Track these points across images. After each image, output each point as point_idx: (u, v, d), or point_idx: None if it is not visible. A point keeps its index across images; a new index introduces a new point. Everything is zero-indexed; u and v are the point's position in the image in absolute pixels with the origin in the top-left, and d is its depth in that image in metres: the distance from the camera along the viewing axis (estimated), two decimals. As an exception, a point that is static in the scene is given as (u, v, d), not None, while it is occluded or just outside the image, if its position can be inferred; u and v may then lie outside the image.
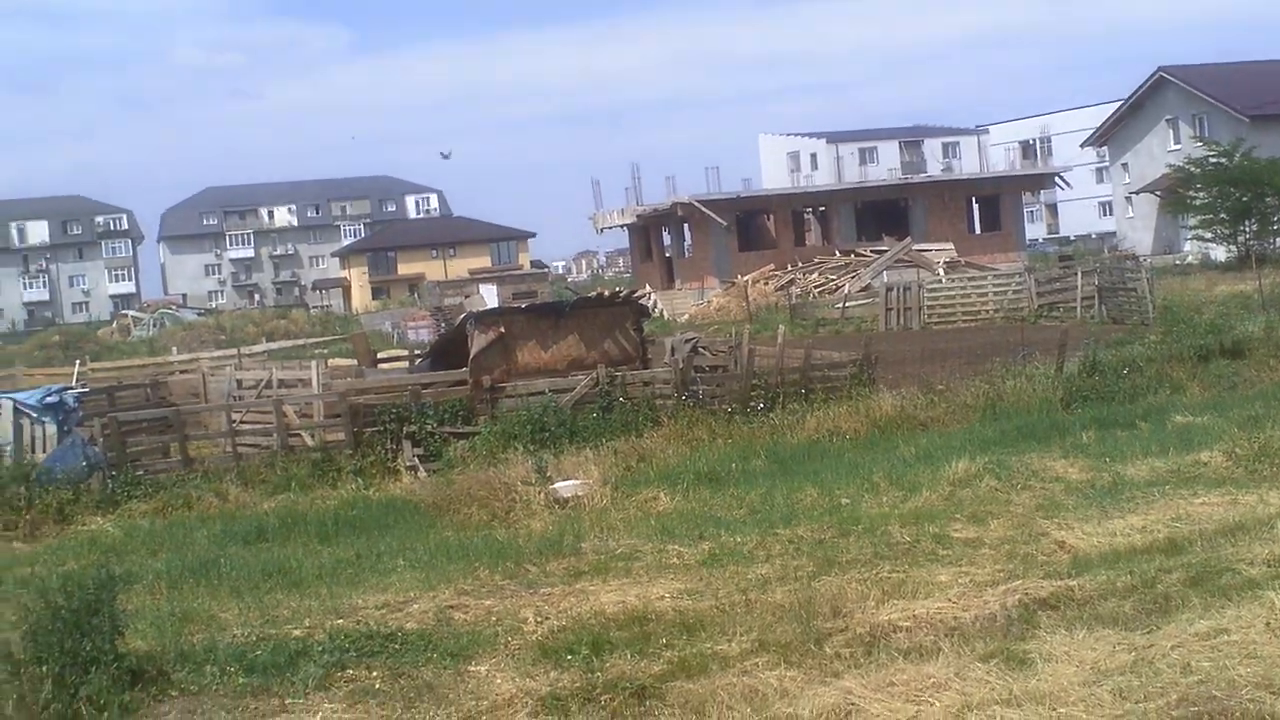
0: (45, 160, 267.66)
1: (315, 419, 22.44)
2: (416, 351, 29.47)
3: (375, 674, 10.00)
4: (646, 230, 67.71)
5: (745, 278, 57.43)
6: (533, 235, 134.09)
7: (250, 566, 14.21)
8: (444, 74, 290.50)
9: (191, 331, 59.28)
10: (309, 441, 21.74)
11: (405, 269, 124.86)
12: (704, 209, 60.19)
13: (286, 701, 9.52)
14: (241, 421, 24.06)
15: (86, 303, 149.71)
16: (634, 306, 25.06)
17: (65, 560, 16.32)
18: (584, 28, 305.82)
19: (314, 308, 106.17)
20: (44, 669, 9.46)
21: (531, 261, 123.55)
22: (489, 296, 64.32)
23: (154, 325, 68.25)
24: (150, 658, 10.37)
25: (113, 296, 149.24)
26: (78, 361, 38.07)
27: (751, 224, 66.85)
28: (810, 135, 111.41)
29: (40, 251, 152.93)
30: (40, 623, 9.74)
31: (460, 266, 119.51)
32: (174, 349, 45.83)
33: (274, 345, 45.76)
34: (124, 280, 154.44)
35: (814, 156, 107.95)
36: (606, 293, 25.16)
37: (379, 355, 29.38)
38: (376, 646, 10.64)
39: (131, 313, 78.45)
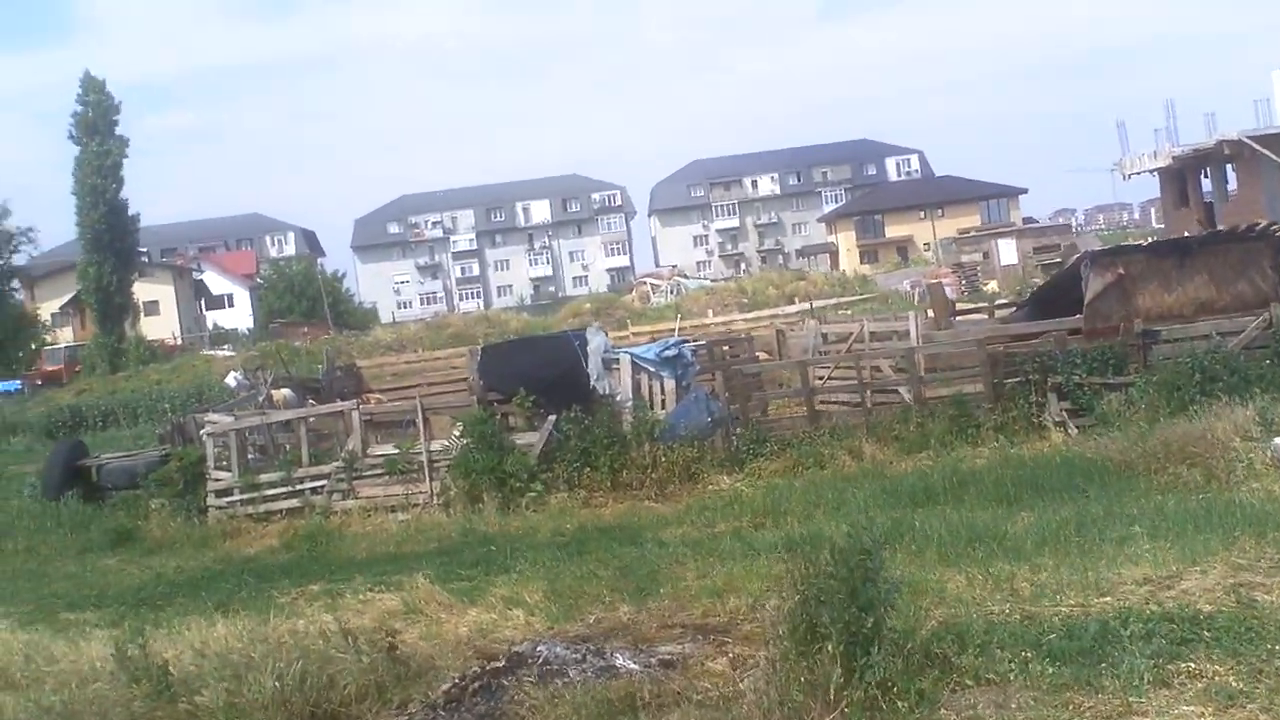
0: (543, 143, 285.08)
1: (915, 372, 20.64)
2: (999, 303, 27.29)
3: (1220, 668, 7.99)
4: (1182, 174, 62.03)
5: (1305, 220, 51.41)
6: (1024, 191, 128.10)
7: (946, 532, 12.54)
8: (912, 33, 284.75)
9: (714, 295, 59.73)
10: (906, 398, 20.15)
11: (892, 231, 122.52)
12: (1256, 145, 54.18)
13: (1130, 701, 7.65)
14: (829, 378, 22.87)
15: (585, 276, 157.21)
16: (1272, 242, 21.71)
17: (714, 522, 15.40)
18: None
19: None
20: (830, 647, 8.05)
21: (1023, 219, 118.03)
22: (1006, 252, 61.14)
23: (671, 292, 69.73)
24: (908, 634, 8.83)
25: (608, 270, 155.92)
26: (679, 317, 38.41)
27: (1306, 162, 59.84)
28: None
29: (543, 230, 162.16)
30: (812, 592, 8.36)
31: (948, 226, 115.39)
32: (709, 311, 45.94)
33: (803, 305, 44.83)
34: (618, 254, 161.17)
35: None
36: (1241, 227, 21.92)
37: (958, 309, 27.45)
38: (1185, 633, 8.67)
39: (650, 280, 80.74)
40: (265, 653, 9.24)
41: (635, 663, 9.52)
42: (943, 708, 7.88)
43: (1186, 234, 37.55)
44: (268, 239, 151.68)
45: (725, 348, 25.69)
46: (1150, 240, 25.82)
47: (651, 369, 19.18)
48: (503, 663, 9.54)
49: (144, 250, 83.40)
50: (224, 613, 12.59)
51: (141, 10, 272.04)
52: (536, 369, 19.57)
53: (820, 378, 22.30)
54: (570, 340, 20.34)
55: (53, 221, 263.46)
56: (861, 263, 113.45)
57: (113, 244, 71.98)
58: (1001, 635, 8.93)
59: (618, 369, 19.47)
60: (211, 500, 19.18)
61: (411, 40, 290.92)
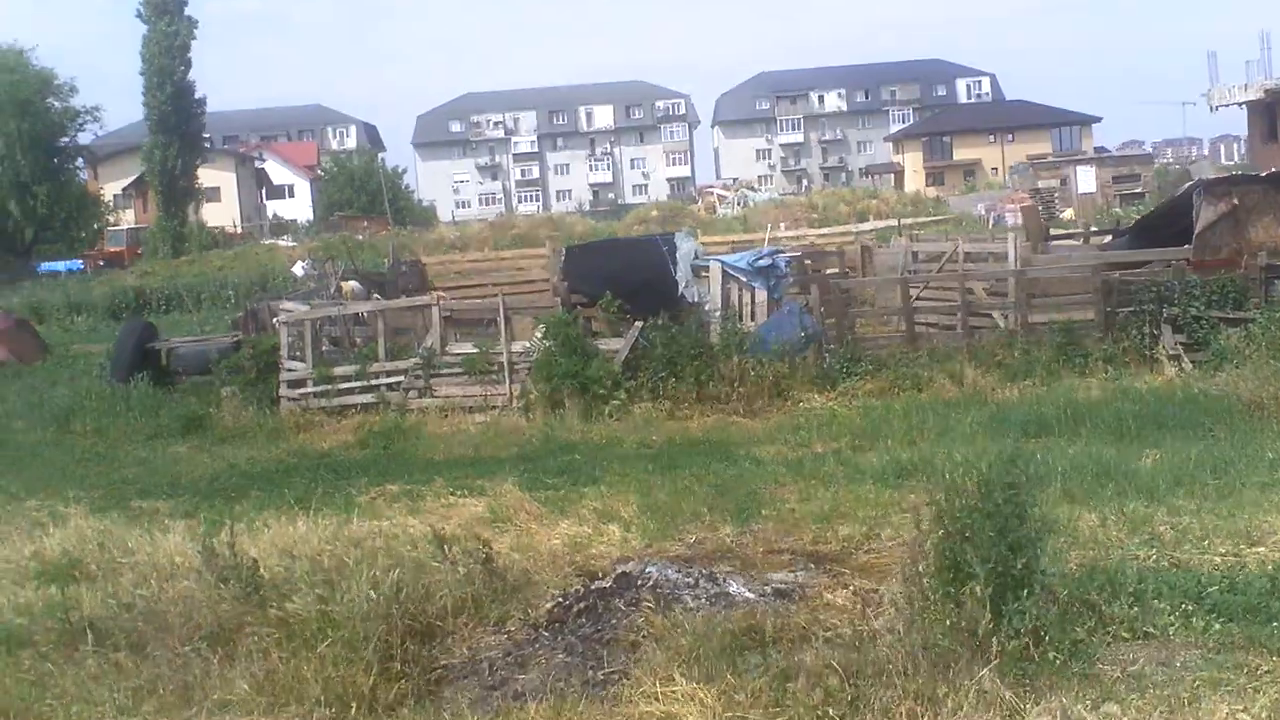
0: (609, 48, 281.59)
1: (1021, 296, 19.74)
2: (1093, 229, 26.23)
3: None
4: (1272, 108, 59.95)
5: (1399, 161, 49.51)
6: (1098, 120, 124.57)
7: (1070, 466, 11.77)
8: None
9: (784, 209, 58.55)
10: (1001, 323, 19.38)
11: (960, 154, 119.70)
12: (1355, 81, 52.14)
13: (1309, 668, 6.94)
14: (918, 297, 22.01)
15: (645, 185, 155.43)
16: (1397, 181, 20.58)
17: (809, 442, 14.68)
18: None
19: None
20: (976, 588, 7.36)
21: (1095, 148, 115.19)
22: (1085, 179, 59.49)
23: (738, 203, 68.44)
24: (1060, 578, 8.17)
25: (669, 179, 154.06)
26: (769, 226, 37.41)
27: (1405, 100, 57.58)
28: None
29: (605, 135, 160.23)
30: (956, 527, 7.66)
31: (1018, 152, 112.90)
32: (781, 225, 44.83)
33: (878, 224, 43.69)
34: (679, 164, 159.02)
35: None
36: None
37: (1052, 233, 26.40)
38: (1354, 592, 7.95)
39: (717, 190, 79.29)
40: (358, 559, 8.66)
41: (750, 591, 8.89)
42: (1099, 662, 7.22)
43: (1274, 170, 35.99)
44: (329, 131, 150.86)
45: (807, 262, 24.77)
46: (1268, 172, 24.51)
47: (743, 279, 18.36)
48: (609, 583, 8.94)
49: (207, 136, 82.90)
50: (304, 509, 12.04)
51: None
52: (623, 272, 18.76)
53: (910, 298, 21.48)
54: (658, 244, 19.50)
55: (119, 104, 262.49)
56: (927, 184, 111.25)
57: (178, 126, 71.52)
58: (1155, 584, 8.24)
59: (706, 276, 18.67)
60: (284, 391, 18.62)
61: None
